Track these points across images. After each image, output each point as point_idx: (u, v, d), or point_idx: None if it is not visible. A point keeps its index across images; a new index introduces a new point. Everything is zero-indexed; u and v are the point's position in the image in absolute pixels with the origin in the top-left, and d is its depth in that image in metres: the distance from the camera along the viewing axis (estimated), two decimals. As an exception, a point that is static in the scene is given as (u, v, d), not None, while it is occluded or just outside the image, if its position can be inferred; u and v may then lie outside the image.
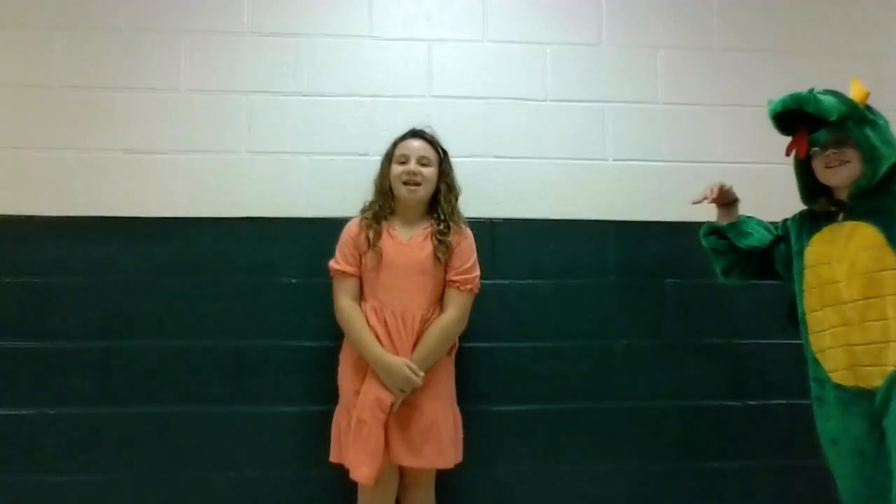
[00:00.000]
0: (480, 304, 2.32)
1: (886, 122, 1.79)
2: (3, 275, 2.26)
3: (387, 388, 1.92)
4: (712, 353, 2.45)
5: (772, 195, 2.52)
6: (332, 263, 2.07)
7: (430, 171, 2.07)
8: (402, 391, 1.92)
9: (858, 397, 1.71)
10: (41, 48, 2.36)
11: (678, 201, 2.48)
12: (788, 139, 1.83)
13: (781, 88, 2.52)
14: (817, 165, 1.82)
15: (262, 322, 2.31)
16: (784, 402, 2.45)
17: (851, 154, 1.75)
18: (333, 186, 2.35)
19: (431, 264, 2.01)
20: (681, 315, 2.44)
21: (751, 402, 2.44)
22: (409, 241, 2.05)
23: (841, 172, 1.76)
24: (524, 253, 2.42)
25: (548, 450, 2.38)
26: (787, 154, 1.83)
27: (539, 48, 2.51)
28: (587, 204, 2.46)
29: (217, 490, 2.25)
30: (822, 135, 1.76)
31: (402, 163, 2.06)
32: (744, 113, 2.56)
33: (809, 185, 1.89)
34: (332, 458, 2.03)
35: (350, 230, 2.09)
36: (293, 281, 2.32)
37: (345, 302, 2.02)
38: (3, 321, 2.25)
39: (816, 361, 1.82)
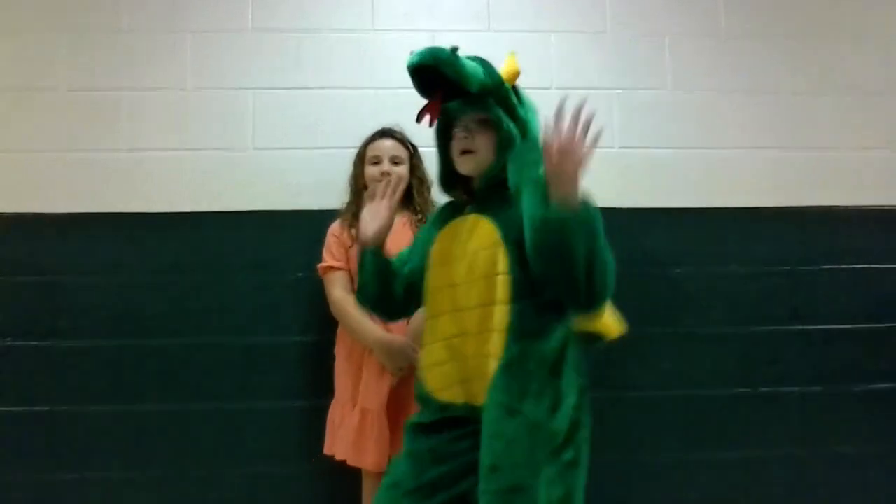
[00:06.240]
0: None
1: (535, 114, 1.55)
2: (14, 273, 2.29)
3: (385, 374, 1.97)
4: (722, 340, 2.43)
5: (781, 181, 2.52)
6: (320, 265, 2.13)
7: (403, 169, 2.12)
8: (401, 369, 1.97)
9: (467, 416, 1.43)
10: (47, 52, 2.37)
11: (686, 189, 2.48)
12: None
13: (790, 74, 2.55)
14: (453, 148, 1.54)
15: (270, 317, 2.32)
16: (796, 389, 2.43)
17: (481, 142, 1.49)
18: (340, 180, 2.34)
19: None
20: (689, 303, 2.42)
21: (763, 390, 2.43)
22: (391, 232, 2.07)
23: (469, 161, 1.51)
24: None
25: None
26: (419, 121, 1.51)
27: (544, 37, 2.49)
28: (594, 192, 2.43)
29: (228, 485, 2.27)
30: (456, 106, 1.49)
31: (376, 163, 2.12)
32: (752, 99, 2.53)
33: (450, 168, 1.59)
34: (326, 451, 2.09)
35: (333, 231, 2.16)
36: (301, 275, 2.33)
37: (338, 293, 2.07)
38: (15, 320, 2.28)
39: (420, 380, 1.53)
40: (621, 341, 2.38)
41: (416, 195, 2.13)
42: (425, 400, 1.52)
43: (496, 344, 1.39)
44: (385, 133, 2.17)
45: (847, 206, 2.50)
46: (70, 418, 2.25)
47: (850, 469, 2.43)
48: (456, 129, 1.52)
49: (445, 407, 1.47)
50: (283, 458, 2.29)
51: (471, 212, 1.53)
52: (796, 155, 2.53)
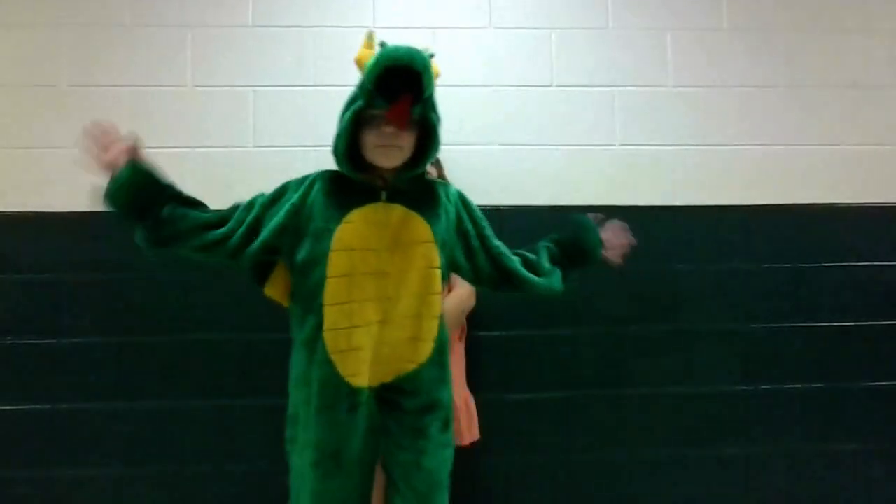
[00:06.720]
0: (492, 294, 2.32)
1: None
2: (15, 271, 2.29)
3: None
4: (724, 337, 2.43)
5: (784, 178, 2.51)
6: None
7: None
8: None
9: (368, 399, 1.56)
10: (48, 48, 2.37)
11: (688, 186, 2.48)
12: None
13: (792, 69, 2.54)
14: (371, 140, 1.51)
15: (273, 315, 2.31)
16: (798, 386, 2.43)
17: (406, 139, 1.51)
18: (341, 178, 2.35)
19: None
20: (691, 300, 2.42)
21: (764, 387, 2.42)
22: None
23: (394, 157, 1.51)
24: (533, 240, 2.40)
25: (561, 437, 2.38)
26: (389, 122, 1.47)
27: (545, 33, 2.49)
28: (595, 190, 2.44)
29: (228, 482, 2.28)
30: (419, 109, 1.47)
31: None
32: (755, 95, 2.53)
33: (354, 150, 1.55)
34: None
35: None
36: (302, 273, 2.33)
37: None
38: (17, 318, 2.29)
39: (329, 363, 1.51)
40: (623, 338, 2.42)
41: None
42: (329, 383, 1.52)
43: (431, 328, 1.57)
44: None
45: (850, 203, 2.50)
46: (71, 416, 2.26)
47: (851, 466, 2.43)
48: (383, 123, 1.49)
49: (354, 392, 1.53)
50: (284, 455, 2.28)
51: (387, 200, 1.55)
52: (799, 151, 2.52)
